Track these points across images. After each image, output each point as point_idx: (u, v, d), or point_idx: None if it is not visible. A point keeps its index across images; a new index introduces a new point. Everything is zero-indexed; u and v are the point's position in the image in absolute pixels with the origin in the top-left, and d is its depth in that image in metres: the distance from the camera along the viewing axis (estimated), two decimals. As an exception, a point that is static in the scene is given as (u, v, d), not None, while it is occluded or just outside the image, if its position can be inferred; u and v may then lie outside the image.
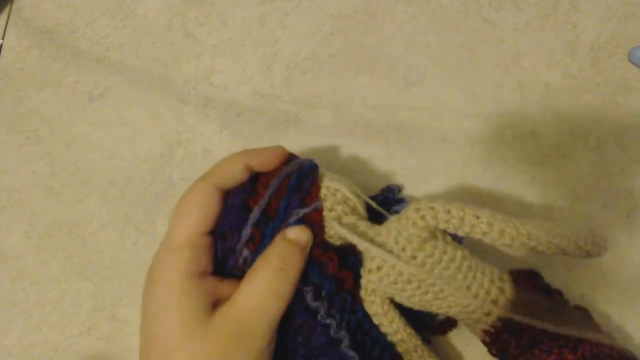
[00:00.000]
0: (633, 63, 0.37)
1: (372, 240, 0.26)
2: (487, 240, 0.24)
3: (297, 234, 0.26)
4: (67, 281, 0.36)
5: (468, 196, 0.35)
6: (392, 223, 0.26)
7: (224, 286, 0.25)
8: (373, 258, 0.25)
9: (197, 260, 0.24)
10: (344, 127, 0.38)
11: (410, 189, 0.36)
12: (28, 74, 0.42)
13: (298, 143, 0.37)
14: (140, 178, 0.38)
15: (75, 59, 0.42)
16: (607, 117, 0.36)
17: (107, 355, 0.34)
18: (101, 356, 0.34)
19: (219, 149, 0.38)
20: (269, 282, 0.24)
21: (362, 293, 0.26)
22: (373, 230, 0.26)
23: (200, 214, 0.25)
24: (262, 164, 0.27)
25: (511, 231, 0.24)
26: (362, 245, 0.25)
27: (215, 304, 0.24)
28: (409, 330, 0.26)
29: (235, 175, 0.26)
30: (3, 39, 0.43)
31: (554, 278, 0.31)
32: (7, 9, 0.44)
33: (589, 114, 0.36)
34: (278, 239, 0.26)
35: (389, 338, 0.27)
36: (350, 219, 0.26)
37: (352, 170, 0.36)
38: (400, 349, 0.27)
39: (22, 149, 0.39)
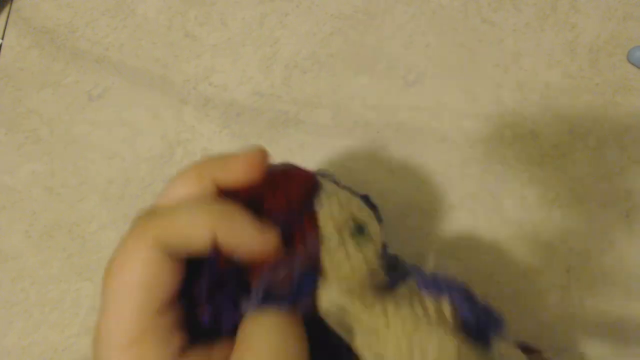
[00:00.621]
0: (632, 63, 0.37)
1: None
2: None
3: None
4: (67, 281, 0.36)
5: (468, 196, 0.35)
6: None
7: (215, 355, 0.18)
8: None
9: (161, 346, 0.16)
10: (344, 127, 0.38)
11: (410, 189, 0.36)
12: (28, 74, 0.42)
13: (298, 143, 0.37)
14: (140, 178, 0.38)
15: (75, 59, 0.42)
16: (607, 117, 0.36)
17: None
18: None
19: (219, 148, 0.38)
20: None
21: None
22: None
23: (145, 296, 0.16)
24: (233, 178, 0.18)
25: None
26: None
27: None
28: None
29: (194, 235, 0.16)
30: (3, 39, 0.43)
31: (554, 279, 0.32)
32: (7, 9, 0.44)
33: (588, 114, 0.36)
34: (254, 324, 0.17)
35: None
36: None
37: (352, 170, 0.36)
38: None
39: (22, 148, 0.39)
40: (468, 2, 0.40)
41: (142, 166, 0.38)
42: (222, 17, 0.42)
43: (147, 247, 0.16)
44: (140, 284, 0.16)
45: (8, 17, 0.44)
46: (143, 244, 0.16)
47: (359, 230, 0.19)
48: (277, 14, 0.41)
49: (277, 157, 0.38)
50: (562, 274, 0.33)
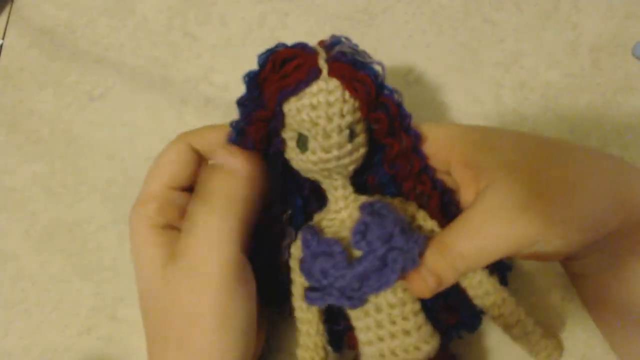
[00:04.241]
0: (638, 57, 0.36)
1: None
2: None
3: (227, 162, 0.25)
4: (67, 281, 0.36)
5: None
6: None
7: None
8: None
9: (162, 212, 0.25)
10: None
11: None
12: (28, 74, 0.42)
13: (298, 143, 0.37)
14: (141, 178, 0.38)
15: (75, 59, 0.42)
16: (608, 117, 0.36)
17: (107, 355, 0.34)
18: (101, 356, 0.34)
19: (219, 149, 0.38)
20: (212, 225, 0.23)
21: None
22: None
23: (170, 170, 0.26)
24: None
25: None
26: None
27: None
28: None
29: (214, 141, 0.26)
30: (3, 39, 0.43)
31: (549, 282, 0.31)
32: (7, 9, 0.44)
33: (589, 114, 0.36)
34: (207, 171, 0.25)
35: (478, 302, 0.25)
36: None
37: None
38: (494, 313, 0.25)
39: (22, 149, 0.39)
40: (468, 2, 0.40)
41: (142, 166, 0.38)
42: (222, 17, 0.42)
43: (178, 142, 0.27)
44: (168, 161, 0.27)
45: (8, 17, 0.44)
46: (176, 141, 0.27)
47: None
48: (277, 13, 0.41)
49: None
50: (558, 278, 0.32)
